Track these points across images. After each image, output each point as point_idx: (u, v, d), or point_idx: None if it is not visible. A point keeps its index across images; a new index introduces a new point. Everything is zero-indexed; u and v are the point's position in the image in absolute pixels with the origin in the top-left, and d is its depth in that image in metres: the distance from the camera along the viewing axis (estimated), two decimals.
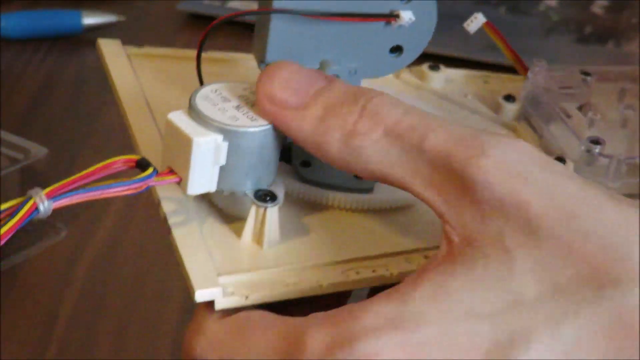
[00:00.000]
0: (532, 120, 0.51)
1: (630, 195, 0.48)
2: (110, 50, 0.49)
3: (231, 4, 0.93)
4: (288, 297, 0.39)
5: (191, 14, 0.91)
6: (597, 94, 0.52)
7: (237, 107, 0.40)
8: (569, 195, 0.35)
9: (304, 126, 0.38)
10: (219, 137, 0.39)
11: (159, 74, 0.49)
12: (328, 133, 0.38)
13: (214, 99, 0.40)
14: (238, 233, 0.41)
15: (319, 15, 0.41)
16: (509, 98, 0.52)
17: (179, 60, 0.50)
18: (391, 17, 0.42)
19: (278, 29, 0.42)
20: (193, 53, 0.50)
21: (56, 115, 0.79)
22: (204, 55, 0.50)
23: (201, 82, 0.44)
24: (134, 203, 0.70)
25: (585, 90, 0.52)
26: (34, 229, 0.66)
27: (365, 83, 0.44)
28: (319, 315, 0.36)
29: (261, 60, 0.43)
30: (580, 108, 0.51)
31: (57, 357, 0.58)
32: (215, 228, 0.41)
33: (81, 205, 0.69)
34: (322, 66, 0.43)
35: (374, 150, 0.37)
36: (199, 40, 0.43)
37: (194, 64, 0.49)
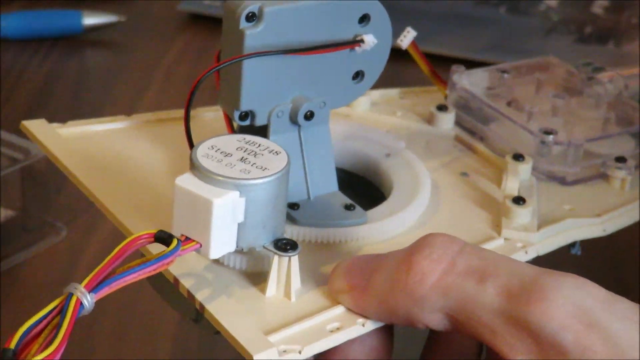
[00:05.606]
0: (467, 125, 0.51)
1: (589, 179, 0.49)
2: (42, 132, 0.47)
3: None
4: (337, 344, 0.38)
5: (191, 14, 0.91)
6: (517, 89, 0.53)
7: (243, 160, 0.38)
8: (632, 343, 0.35)
9: (371, 302, 0.39)
10: (236, 194, 0.37)
11: (99, 145, 0.47)
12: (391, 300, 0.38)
13: (214, 155, 0.38)
14: (260, 288, 0.40)
15: (293, 52, 0.41)
16: (442, 108, 0.52)
17: (105, 131, 0.49)
18: (356, 42, 0.43)
19: (251, 73, 0.41)
20: (120, 118, 0.49)
21: (56, 115, 0.79)
22: (149, 118, 0.49)
23: (190, 143, 0.42)
24: None
25: (507, 87, 0.53)
26: (34, 229, 0.66)
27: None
28: None
29: (236, 108, 0.42)
30: (508, 104, 0.51)
31: None
32: (235, 288, 0.39)
33: (81, 206, 0.69)
34: (295, 104, 0.43)
35: (433, 297, 0.37)
36: (185, 104, 0.41)
37: (122, 128, 0.48)
